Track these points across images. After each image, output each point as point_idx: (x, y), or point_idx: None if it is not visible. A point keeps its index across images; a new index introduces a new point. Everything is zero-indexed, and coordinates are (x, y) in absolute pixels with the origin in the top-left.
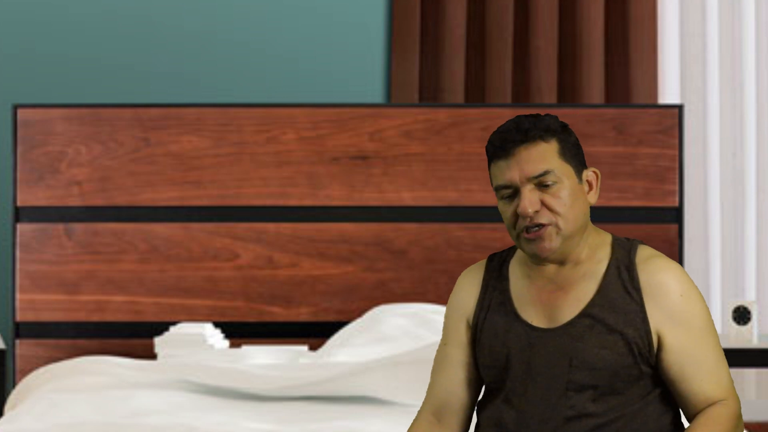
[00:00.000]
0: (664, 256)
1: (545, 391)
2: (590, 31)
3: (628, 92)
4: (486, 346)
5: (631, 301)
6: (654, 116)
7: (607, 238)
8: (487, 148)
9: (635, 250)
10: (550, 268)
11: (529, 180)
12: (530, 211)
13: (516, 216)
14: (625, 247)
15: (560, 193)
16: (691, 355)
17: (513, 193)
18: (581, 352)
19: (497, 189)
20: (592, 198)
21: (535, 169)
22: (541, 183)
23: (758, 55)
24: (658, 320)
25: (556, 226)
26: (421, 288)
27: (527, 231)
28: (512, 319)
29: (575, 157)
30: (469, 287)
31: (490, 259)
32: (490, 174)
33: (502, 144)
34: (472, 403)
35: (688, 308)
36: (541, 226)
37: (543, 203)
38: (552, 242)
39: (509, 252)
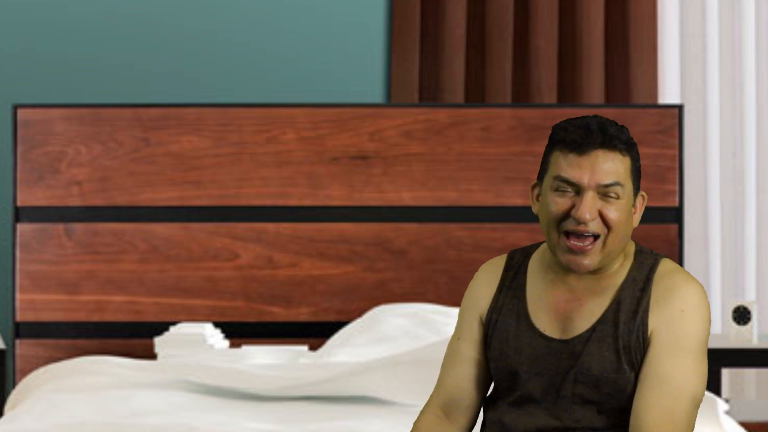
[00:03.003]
0: (685, 272)
1: (552, 401)
2: (590, 31)
3: (628, 92)
4: (497, 349)
5: (638, 317)
6: (654, 116)
7: (631, 249)
8: (558, 134)
9: (656, 265)
10: (572, 275)
11: (597, 186)
12: (588, 217)
13: (565, 214)
14: (647, 260)
15: (618, 209)
16: (656, 368)
17: (574, 192)
18: (586, 366)
19: (557, 178)
20: (636, 221)
21: (607, 177)
22: (606, 193)
23: (758, 55)
24: (652, 330)
25: (604, 241)
26: (421, 288)
27: (573, 236)
28: (525, 326)
29: (637, 179)
30: (486, 284)
31: (511, 257)
32: (548, 156)
33: (584, 139)
34: (481, 401)
35: (682, 326)
36: (589, 237)
37: (600, 213)
38: (593, 260)
39: (530, 250)
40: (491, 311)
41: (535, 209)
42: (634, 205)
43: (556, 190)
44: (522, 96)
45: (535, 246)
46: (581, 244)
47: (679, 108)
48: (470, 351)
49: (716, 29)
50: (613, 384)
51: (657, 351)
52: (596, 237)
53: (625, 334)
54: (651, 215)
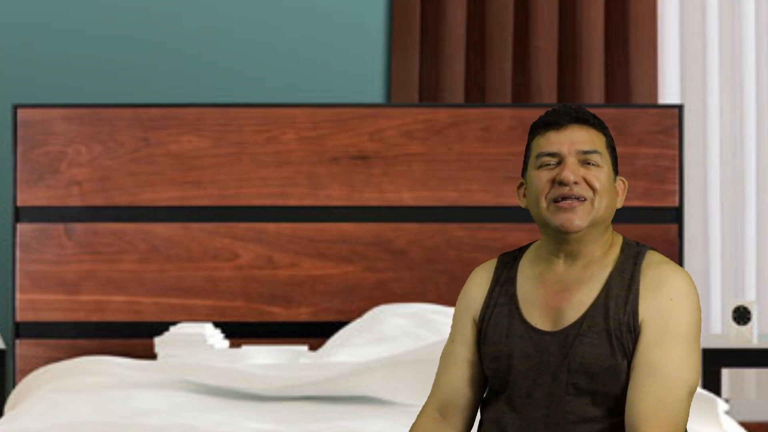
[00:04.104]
0: (672, 263)
1: (547, 394)
2: (590, 31)
3: (628, 92)
4: (490, 346)
5: (627, 306)
6: (654, 116)
7: (618, 241)
8: (534, 123)
9: (642, 256)
10: (560, 267)
11: (577, 153)
12: (572, 178)
13: (551, 184)
14: (633, 252)
15: (600, 176)
16: (647, 357)
17: (555, 163)
18: (579, 356)
19: (538, 156)
20: (619, 203)
21: (585, 145)
22: (586, 160)
23: (758, 55)
24: (642, 318)
25: (591, 203)
26: (421, 288)
27: (562, 200)
28: (516, 321)
29: (614, 158)
30: (478, 286)
31: (501, 258)
32: (529, 147)
33: (557, 118)
34: (477, 402)
35: (672, 314)
36: (578, 199)
37: (584, 179)
38: (582, 219)
39: (520, 251)
40: (484, 310)
41: (523, 204)
42: (615, 187)
43: (540, 167)
44: (522, 96)
45: (526, 246)
46: (570, 202)
47: (679, 108)
48: (464, 352)
49: (716, 29)
50: (606, 372)
51: (648, 340)
52: (583, 200)
53: (616, 323)
54: (651, 215)
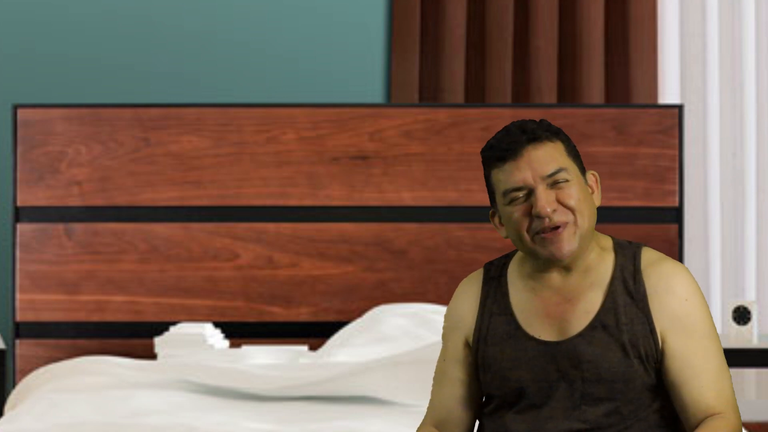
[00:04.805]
0: (669, 258)
1: (563, 405)
2: (590, 31)
3: (628, 92)
4: (497, 369)
5: (637, 309)
6: (654, 116)
7: (608, 243)
8: (486, 154)
9: (639, 254)
10: (556, 278)
11: (543, 179)
12: (549, 210)
13: (529, 218)
14: (629, 251)
15: (573, 191)
16: (692, 361)
17: (525, 195)
18: (594, 366)
19: (506, 193)
20: (597, 200)
21: (548, 167)
22: (555, 181)
23: (758, 55)
24: (662, 324)
25: (575, 224)
26: (421, 288)
27: (545, 231)
28: (518, 335)
29: (577, 158)
30: (466, 303)
31: (487, 270)
32: (490, 180)
33: (510, 145)
34: (473, 419)
35: (692, 313)
36: (560, 226)
37: (558, 201)
38: (571, 243)
39: (506, 261)
40: (478, 330)
41: (503, 234)
42: (588, 185)
43: (510, 203)
44: (522, 96)
45: (510, 255)
46: (553, 232)
47: (679, 108)
48: (456, 372)
49: (716, 29)
50: (622, 377)
51: (682, 344)
52: (565, 225)
53: (628, 326)
54: (651, 215)
